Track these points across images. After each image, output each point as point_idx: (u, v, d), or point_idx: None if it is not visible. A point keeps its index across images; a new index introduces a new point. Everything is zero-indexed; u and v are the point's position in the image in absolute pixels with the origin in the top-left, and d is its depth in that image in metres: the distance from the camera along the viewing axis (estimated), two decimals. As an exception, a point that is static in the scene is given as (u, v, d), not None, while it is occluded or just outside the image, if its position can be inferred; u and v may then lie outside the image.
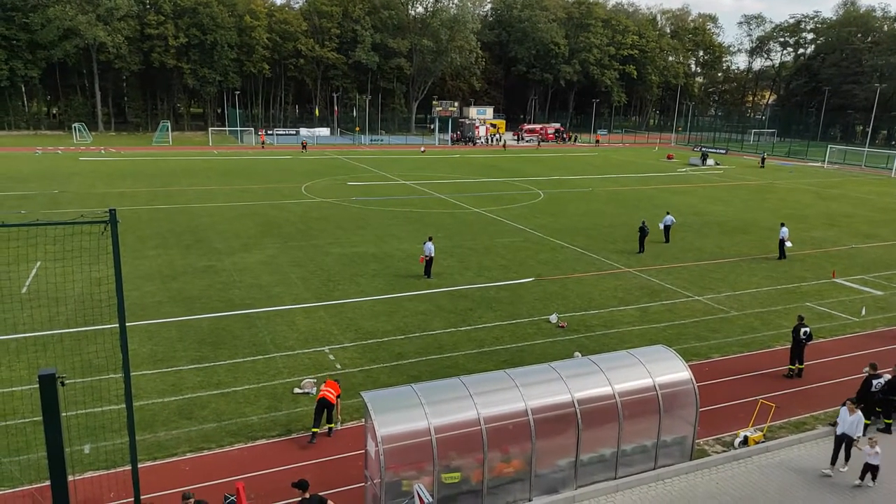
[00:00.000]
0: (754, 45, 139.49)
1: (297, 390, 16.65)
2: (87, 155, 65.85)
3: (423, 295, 24.49)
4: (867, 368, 15.89)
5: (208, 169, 58.06)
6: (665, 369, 13.79)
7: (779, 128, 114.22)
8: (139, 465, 11.76)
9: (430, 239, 27.07)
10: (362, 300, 23.69)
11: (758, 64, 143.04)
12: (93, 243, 12.72)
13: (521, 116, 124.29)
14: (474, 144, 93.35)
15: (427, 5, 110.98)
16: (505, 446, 12.37)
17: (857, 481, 13.28)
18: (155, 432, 14.56)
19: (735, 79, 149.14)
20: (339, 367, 18.17)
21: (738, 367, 19.03)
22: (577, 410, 12.64)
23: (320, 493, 11.30)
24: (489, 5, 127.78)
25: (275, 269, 27.30)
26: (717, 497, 12.97)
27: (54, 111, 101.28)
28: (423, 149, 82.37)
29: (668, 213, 35.33)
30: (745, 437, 14.83)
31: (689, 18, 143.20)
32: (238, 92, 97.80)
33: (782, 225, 32.34)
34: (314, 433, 14.50)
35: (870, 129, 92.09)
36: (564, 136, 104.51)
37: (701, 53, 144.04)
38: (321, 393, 14.64)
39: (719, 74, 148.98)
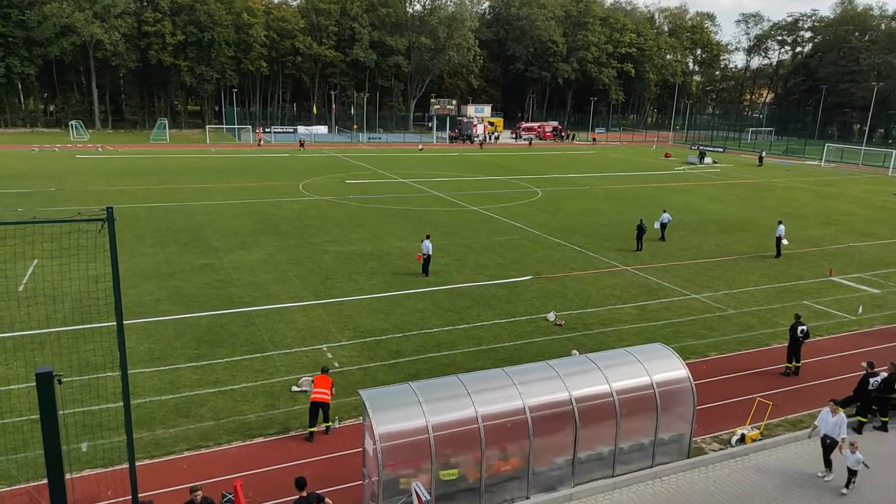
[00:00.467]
0: (752, 43, 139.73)
1: (295, 388, 16.64)
2: (84, 153, 65.68)
3: (421, 293, 24.49)
4: (864, 365, 15.93)
5: (206, 167, 57.95)
6: (662, 367, 13.81)
7: (776, 126, 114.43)
8: (137, 464, 11.74)
9: (428, 237, 27.05)
10: (360, 298, 23.69)
11: (755, 62, 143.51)
12: (90, 241, 12.70)
13: (520, 115, 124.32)
14: (472, 142, 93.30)
15: (425, 3, 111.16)
16: (503, 444, 12.39)
17: (844, 490, 13.03)
18: (153, 430, 14.55)
19: (733, 77, 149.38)
20: (336, 364, 18.16)
21: (736, 366, 19.07)
22: (575, 408, 12.65)
23: (318, 491, 11.30)
24: (487, 3, 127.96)
25: (273, 267, 27.27)
26: (714, 495, 13.00)
27: (51, 108, 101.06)
28: (421, 147, 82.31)
29: (664, 211, 35.37)
30: (743, 435, 14.87)
31: (687, 17, 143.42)
32: (235, 90, 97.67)
33: (780, 223, 32.40)
34: (311, 433, 14.50)
35: (867, 128, 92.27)
36: (562, 134, 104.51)
37: (699, 52, 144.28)
38: (313, 396, 14.55)
39: (717, 73, 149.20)
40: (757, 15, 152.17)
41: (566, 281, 26.65)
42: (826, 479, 13.52)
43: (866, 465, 12.99)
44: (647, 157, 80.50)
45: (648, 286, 26.31)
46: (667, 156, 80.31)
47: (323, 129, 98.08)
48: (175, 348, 18.87)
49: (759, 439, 14.88)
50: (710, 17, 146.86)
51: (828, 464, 13.67)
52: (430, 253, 26.66)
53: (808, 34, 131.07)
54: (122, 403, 11.24)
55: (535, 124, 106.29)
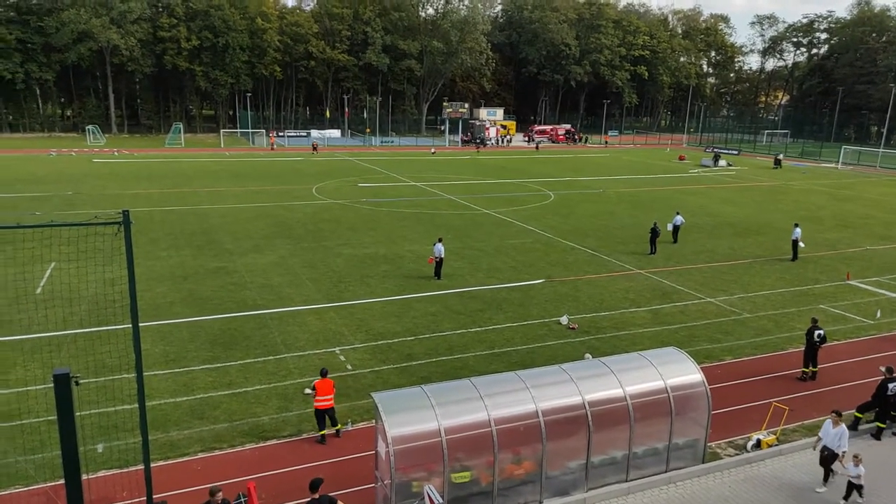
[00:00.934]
0: (767, 45, 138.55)
1: (307, 391, 16.68)
2: (100, 157, 66.46)
3: (433, 296, 24.50)
4: (883, 370, 15.70)
5: (220, 171, 58.41)
6: (677, 371, 13.70)
7: (792, 128, 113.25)
8: (152, 465, 11.83)
9: (440, 240, 27.08)
10: (372, 301, 23.74)
11: (770, 64, 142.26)
12: (106, 244, 12.84)
13: (532, 118, 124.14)
14: (485, 146, 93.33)
15: (437, 7, 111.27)
16: (515, 448, 12.34)
17: (842, 502, 12.67)
18: (167, 432, 14.66)
19: (747, 79, 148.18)
20: (349, 367, 18.21)
21: (751, 370, 18.88)
22: (588, 412, 12.59)
23: (330, 494, 11.32)
24: (500, 7, 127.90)
25: (286, 270, 27.41)
26: (729, 500, 12.86)
27: (68, 113, 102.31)
28: (433, 150, 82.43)
29: (677, 214, 35.15)
30: (758, 441, 14.71)
31: (701, 19, 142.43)
32: (249, 94, 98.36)
33: (796, 226, 32.06)
34: (323, 436, 14.56)
35: (885, 130, 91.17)
36: (575, 137, 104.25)
37: (713, 54, 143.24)
38: (317, 403, 14.46)
39: (731, 75, 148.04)
40: (772, 17, 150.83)
41: (579, 284, 26.54)
42: (817, 490, 13.16)
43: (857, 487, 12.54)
44: (661, 159, 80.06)
45: (662, 289, 26.13)
46: (681, 158, 79.80)
47: (336, 132, 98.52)
48: (189, 350, 19.01)
49: (776, 445, 14.72)
50: (724, 18, 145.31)
51: (826, 476, 13.26)
52: (443, 256, 26.67)
53: (824, 35, 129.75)
54: (137, 405, 11.34)
55: (548, 127, 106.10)
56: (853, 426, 15.27)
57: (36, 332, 19.60)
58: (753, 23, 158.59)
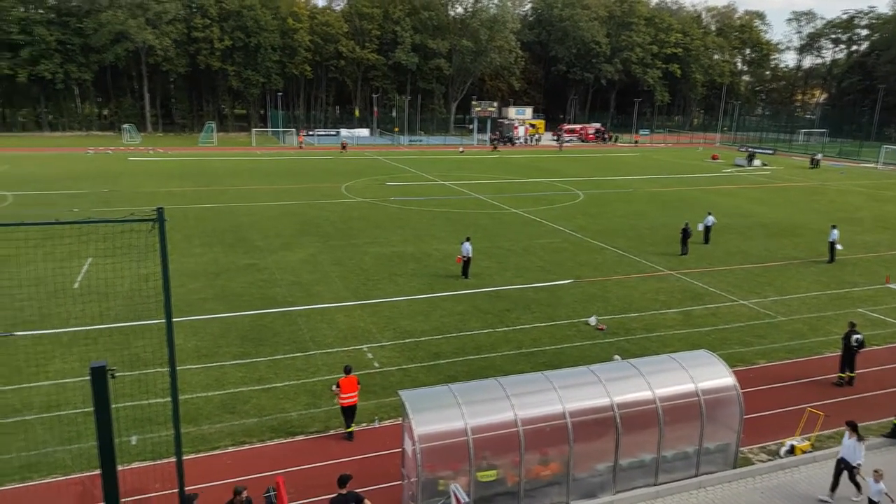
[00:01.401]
0: (804, 42, 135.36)
1: (335, 388, 16.80)
2: (136, 155, 67.95)
3: (461, 295, 24.49)
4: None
5: (251, 169, 59.24)
6: (708, 374, 13.48)
7: (830, 127, 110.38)
8: (184, 458, 12.04)
9: (468, 239, 27.05)
10: (400, 299, 23.83)
11: (808, 62, 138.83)
12: (141, 241, 13.08)
13: (561, 116, 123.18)
14: (513, 144, 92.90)
15: (467, 6, 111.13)
16: (542, 448, 12.28)
17: None
18: (199, 425, 14.93)
19: (783, 77, 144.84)
20: (377, 365, 18.31)
21: (785, 374, 18.47)
22: (617, 414, 12.45)
23: (357, 490, 11.40)
24: (529, 5, 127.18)
25: (315, 267, 27.68)
26: (761, 507, 12.60)
27: (105, 112, 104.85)
28: (461, 149, 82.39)
29: (709, 214, 34.55)
30: (792, 447, 14.38)
31: (736, 16, 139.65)
32: (280, 93, 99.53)
33: (833, 227, 31.25)
34: (350, 432, 14.68)
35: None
36: (605, 136, 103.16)
37: (748, 51, 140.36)
38: (342, 401, 14.60)
39: (767, 73, 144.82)
40: (810, 13, 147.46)
41: (608, 285, 26.27)
42: (820, 497, 12.72)
43: (891, 499, 11.94)
44: (693, 159, 78.77)
45: (694, 291, 25.72)
46: (714, 158, 78.42)
47: (365, 131, 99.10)
48: (221, 346, 19.33)
49: (810, 451, 14.37)
50: (760, 15, 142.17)
51: (834, 486, 12.80)
52: (471, 255, 26.64)
53: (864, 32, 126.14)
54: (170, 399, 11.55)
55: (578, 126, 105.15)
56: (892, 434, 14.85)
57: (73, 326, 20.13)
58: (790, 19, 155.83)
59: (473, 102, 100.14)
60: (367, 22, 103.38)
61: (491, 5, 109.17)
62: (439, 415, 11.87)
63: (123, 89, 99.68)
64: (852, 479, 12.77)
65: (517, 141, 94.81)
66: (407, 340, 20.12)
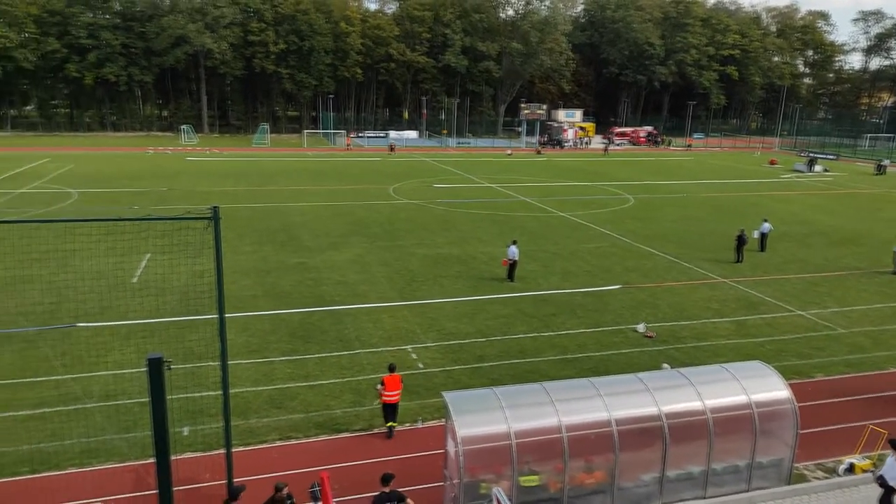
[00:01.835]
0: (872, 43, 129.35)
1: (379, 387, 16.97)
2: (193, 155, 70.23)
3: (506, 298, 24.38)
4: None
5: (301, 170, 60.43)
6: (762, 386, 13.02)
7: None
8: (232, 450, 12.36)
9: (514, 242, 26.91)
10: (445, 301, 23.88)
11: (875, 63, 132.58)
12: (196, 238, 13.55)
13: (612, 119, 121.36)
14: (562, 147, 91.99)
15: (518, 8, 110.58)
16: (587, 456, 12.08)
17: None
18: (247, 419, 15.29)
19: (848, 79, 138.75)
20: (421, 366, 18.39)
21: (845, 389, 17.68)
22: (665, 424, 12.16)
23: (399, 489, 11.46)
24: (581, 6, 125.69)
25: (362, 267, 28.02)
26: (817, 527, 12.10)
27: (164, 114, 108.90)
28: (509, 152, 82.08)
29: (765, 221, 33.41)
30: (851, 465, 13.75)
31: (798, 16, 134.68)
32: (332, 96, 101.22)
33: (899, 237, 29.80)
34: (391, 427, 14.82)
35: None
36: (658, 139, 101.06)
37: (810, 53, 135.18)
38: (385, 398, 14.76)
39: (830, 75, 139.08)
40: (878, 12, 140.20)
41: (658, 292, 25.71)
42: None
43: None
44: (750, 163, 76.36)
45: (748, 300, 24.91)
46: (772, 163, 75.86)
47: (413, 133, 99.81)
48: (270, 342, 19.76)
49: (871, 471, 13.71)
50: (824, 15, 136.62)
51: None
52: (516, 258, 26.49)
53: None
54: (221, 392, 11.88)
55: (629, 129, 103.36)
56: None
57: (131, 319, 20.92)
58: (857, 19, 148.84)
59: (522, 105, 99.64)
60: (417, 25, 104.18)
61: (542, 7, 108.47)
62: (483, 417, 11.82)
63: (182, 91, 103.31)
64: (888, 500, 12.13)
65: (566, 144, 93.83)
66: (451, 342, 20.14)
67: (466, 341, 20.23)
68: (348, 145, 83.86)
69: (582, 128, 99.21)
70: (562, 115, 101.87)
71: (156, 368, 10.25)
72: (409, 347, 19.65)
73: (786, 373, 16.10)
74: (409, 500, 11.13)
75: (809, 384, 17.86)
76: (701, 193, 51.28)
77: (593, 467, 12.14)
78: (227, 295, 11.61)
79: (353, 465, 13.67)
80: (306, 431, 14.93)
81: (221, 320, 11.37)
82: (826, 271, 29.28)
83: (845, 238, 36.24)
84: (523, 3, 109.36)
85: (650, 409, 12.26)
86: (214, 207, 10.89)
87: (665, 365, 18.10)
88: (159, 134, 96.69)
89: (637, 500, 12.38)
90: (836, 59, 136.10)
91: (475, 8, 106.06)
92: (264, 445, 14.35)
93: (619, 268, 28.95)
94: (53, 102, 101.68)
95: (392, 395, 14.74)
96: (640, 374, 13.29)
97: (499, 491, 11.05)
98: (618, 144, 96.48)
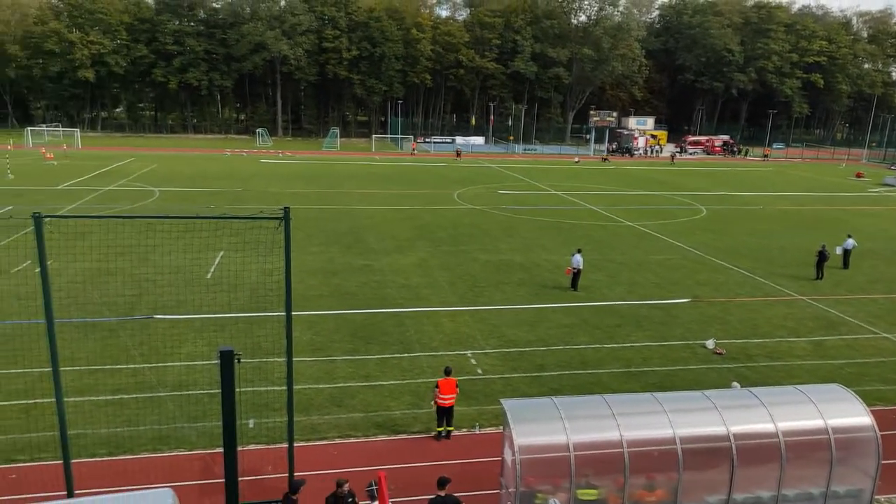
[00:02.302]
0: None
1: (436, 389, 17.05)
2: (267, 157, 72.77)
3: (569, 308, 24.01)
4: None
5: (370, 174, 61.56)
6: (840, 411, 12.28)
7: None
8: (294, 445, 12.69)
9: (579, 251, 26.49)
10: (507, 308, 23.74)
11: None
12: (267, 238, 13.98)
13: (686, 127, 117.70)
14: (632, 156, 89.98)
15: (591, 14, 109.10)
16: (648, 473, 11.73)
17: None
18: (309, 415, 15.66)
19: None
20: (480, 372, 18.35)
21: (935, 419, 16.44)
22: (733, 445, 11.64)
23: (455, 494, 11.45)
24: (657, 12, 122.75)
25: (425, 271, 28.24)
26: (899, 565, 11.28)
27: (242, 117, 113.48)
28: (577, 159, 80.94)
29: (849, 236, 31.55)
30: (940, 502, 12.77)
31: (893, 21, 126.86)
32: (401, 101, 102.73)
33: None
34: (439, 433, 14.90)
35: None
36: (734, 148, 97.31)
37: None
38: (440, 401, 14.77)
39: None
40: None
41: (729, 307, 24.71)
42: None
43: None
44: (834, 176, 72.42)
45: (828, 319, 23.59)
46: (858, 175, 71.68)
47: (480, 139, 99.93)
48: (334, 341, 20.19)
49: (963, 509, 12.69)
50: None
51: None
52: (581, 267, 26.06)
53: None
54: (285, 387, 12.22)
55: (703, 138, 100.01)
56: None
57: (204, 313, 21.84)
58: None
59: (591, 112, 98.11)
60: (487, 31, 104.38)
61: (616, 13, 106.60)
62: (541, 427, 11.67)
63: (259, 96, 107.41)
64: None
65: (636, 152, 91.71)
66: (511, 349, 20.00)
67: (527, 349, 20.05)
68: (413, 150, 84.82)
69: (653, 135, 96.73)
70: (633, 122, 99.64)
71: (227, 361, 10.63)
72: (468, 353, 19.64)
73: (868, 398, 15.11)
74: (463, 506, 11.11)
75: (894, 412, 16.71)
76: (779, 206, 49.01)
77: (655, 485, 11.76)
78: (294, 293, 11.94)
79: (410, 467, 13.77)
80: (365, 431, 15.15)
81: (288, 318, 11.70)
82: (917, 292, 27.40)
83: (940, 257, 33.79)
84: (596, 8, 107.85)
85: (718, 429, 11.77)
86: (285, 208, 11.24)
87: (735, 383, 17.33)
88: (236, 137, 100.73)
89: (700, 523, 11.90)
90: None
91: (546, 14, 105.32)
92: (324, 442, 14.65)
93: (688, 281, 28.01)
94: (140, 105, 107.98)
95: (446, 399, 14.76)
96: (708, 392, 12.80)
97: (555, 502, 10.87)
98: (691, 153, 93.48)
